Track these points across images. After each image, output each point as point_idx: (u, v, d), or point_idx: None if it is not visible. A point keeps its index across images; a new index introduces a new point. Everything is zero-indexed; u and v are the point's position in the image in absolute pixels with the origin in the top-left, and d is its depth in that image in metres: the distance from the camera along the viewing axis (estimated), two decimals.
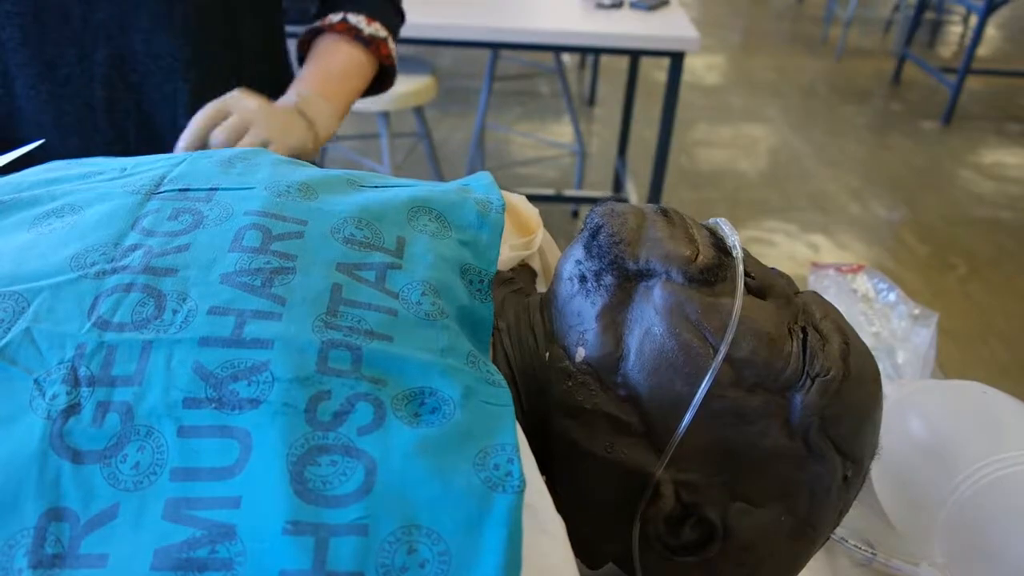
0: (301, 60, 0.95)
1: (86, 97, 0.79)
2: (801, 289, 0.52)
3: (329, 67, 0.90)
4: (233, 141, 0.74)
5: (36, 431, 0.34)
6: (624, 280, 0.46)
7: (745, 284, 0.46)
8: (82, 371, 0.36)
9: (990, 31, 5.65)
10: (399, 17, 0.99)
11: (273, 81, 0.93)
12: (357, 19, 0.91)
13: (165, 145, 0.79)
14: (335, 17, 0.92)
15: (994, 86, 4.58)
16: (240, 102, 0.76)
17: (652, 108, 2.54)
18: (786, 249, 2.87)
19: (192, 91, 0.82)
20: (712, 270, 0.46)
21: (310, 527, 0.32)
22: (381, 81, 0.99)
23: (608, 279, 0.47)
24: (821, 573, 0.65)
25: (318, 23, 0.93)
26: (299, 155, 0.77)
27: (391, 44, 0.95)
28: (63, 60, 0.77)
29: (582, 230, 0.50)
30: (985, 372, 2.33)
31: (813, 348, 0.46)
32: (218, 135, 0.73)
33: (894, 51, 5.03)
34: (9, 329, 0.37)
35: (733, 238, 0.48)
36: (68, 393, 0.35)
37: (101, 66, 0.78)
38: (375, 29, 0.92)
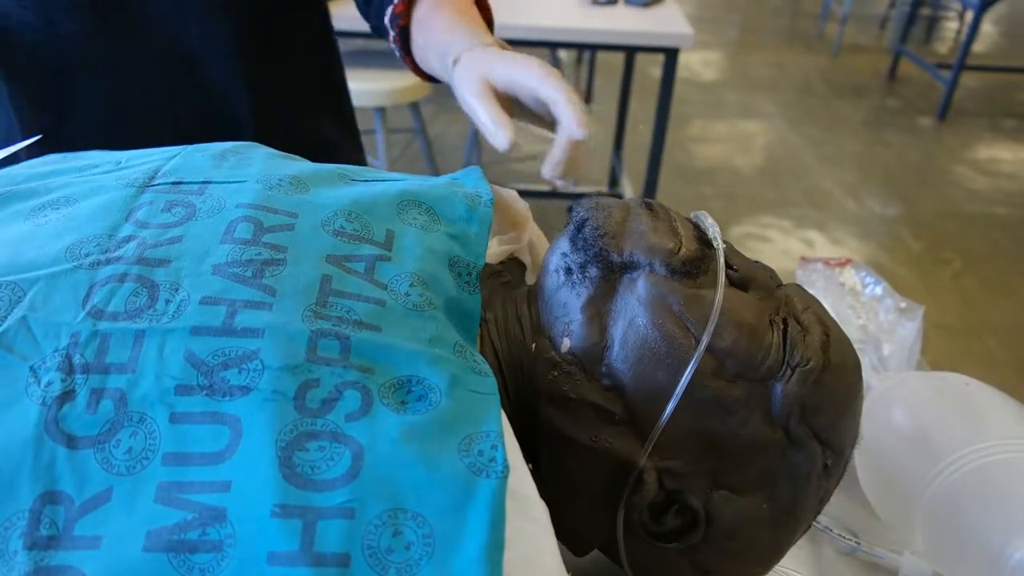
0: (401, 30, 0.79)
1: (144, 84, 0.81)
2: (788, 282, 0.53)
3: (472, 12, 0.75)
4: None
5: (32, 417, 0.35)
6: (609, 272, 0.47)
7: (727, 276, 0.47)
8: (77, 359, 0.37)
9: (985, 27, 5.65)
10: None
11: (323, 67, 0.94)
12: None
13: (218, 129, 0.80)
14: None
15: (989, 82, 4.58)
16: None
17: (648, 104, 2.54)
18: (780, 245, 2.88)
19: (247, 71, 0.83)
20: (694, 262, 0.47)
21: (298, 510, 0.33)
22: None
23: (593, 271, 0.47)
24: (806, 562, 0.66)
25: None
26: None
27: None
28: (121, 50, 0.78)
29: (568, 223, 0.51)
30: (978, 367, 2.34)
31: (794, 339, 0.47)
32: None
33: (890, 47, 5.03)
34: (5, 317, 0.38)
35: (714, 231, 0.49)
36: (63, 380, 0.36)
37: (159, 52, 0.79)
38: None
